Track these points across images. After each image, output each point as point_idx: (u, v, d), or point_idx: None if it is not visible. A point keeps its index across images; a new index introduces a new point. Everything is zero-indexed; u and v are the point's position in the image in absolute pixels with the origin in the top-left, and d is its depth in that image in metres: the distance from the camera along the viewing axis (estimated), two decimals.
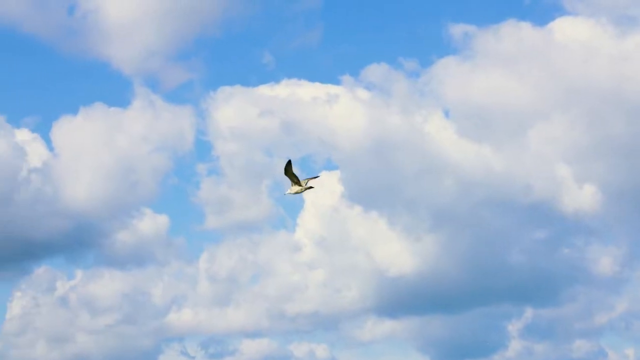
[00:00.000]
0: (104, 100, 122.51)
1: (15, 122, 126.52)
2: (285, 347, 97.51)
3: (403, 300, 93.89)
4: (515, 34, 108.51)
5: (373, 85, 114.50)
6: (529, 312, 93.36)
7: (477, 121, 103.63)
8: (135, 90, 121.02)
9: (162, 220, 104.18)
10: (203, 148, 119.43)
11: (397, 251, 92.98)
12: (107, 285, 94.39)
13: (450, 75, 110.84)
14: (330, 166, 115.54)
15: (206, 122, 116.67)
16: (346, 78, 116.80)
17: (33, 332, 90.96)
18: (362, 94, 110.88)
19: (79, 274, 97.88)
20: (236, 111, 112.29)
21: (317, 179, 35.88)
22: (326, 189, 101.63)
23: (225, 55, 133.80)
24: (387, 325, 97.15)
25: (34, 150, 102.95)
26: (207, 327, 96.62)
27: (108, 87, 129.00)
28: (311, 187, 35.16)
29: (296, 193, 34.93)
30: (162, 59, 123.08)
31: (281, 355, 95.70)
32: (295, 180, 34.63)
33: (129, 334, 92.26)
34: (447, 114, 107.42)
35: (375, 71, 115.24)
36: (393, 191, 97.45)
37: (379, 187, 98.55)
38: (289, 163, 33.89)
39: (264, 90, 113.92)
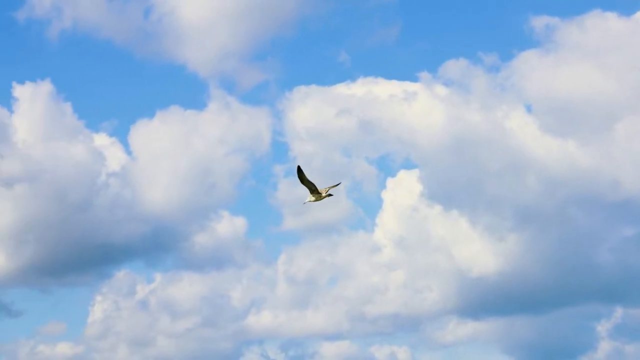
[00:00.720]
0: (180, 103, 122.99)
1: (94, 126, 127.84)
2: (365, 349, 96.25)
3: (486, 301, 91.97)
4: (601, 25, 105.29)
5: (452, 81, 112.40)
6: (618, 312, 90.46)
7: (561, 116, 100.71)
8: (211, 92, 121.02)
9: (240, 222, 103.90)
10: (280, 149, 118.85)
11: (479, 251, 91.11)
12: (186, 288, 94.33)
13: (532, 69, 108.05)
14: (408, 165, 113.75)
15: (282, 122, 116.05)
16: (424, 75, 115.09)
17: (114, 336, 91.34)
18: (441, 90, 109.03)
19: (158, 277, 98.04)
20: (313, 111, 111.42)
21: (337, 186, 34.15)
22: (405, 188, 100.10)
23: (300, 55, 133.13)
24: (470, 327, 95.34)
25: (112, 154, 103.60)
26: (287, 329, 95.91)
27: (184, 89, 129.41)
28: (331, 195, 33.41)
29: (316, 201, 33.17)
30: (237, 60, 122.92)
31: (362, 357, 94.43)
32: (312, 187, 32.79)
33: (208, 337, 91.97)
34: (529, 109, 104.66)
35: (454, 67, 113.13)
36: (474, 189, 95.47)
37: (459, 185, 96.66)
38: (299, 170, 32.04)
39: (341, 89, 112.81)
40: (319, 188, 33.40)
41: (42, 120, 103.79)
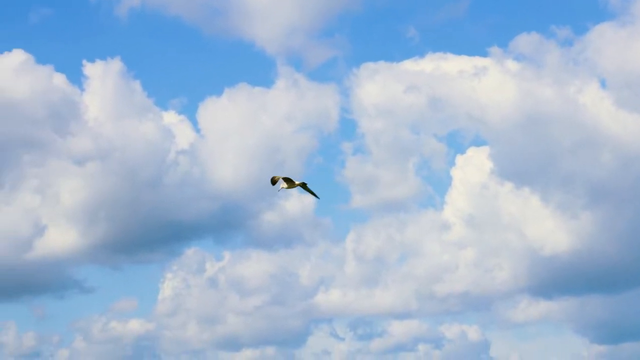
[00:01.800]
0: (248, 80, 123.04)
1: (163, 104, 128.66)
2: (435, 328, 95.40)
3: (558, 280, 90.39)
4: None
5: (523, 56, 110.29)
6: None
7: (637, 90, 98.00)
8: (278, 69, 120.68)
9: (308, 200, 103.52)
10: (348, 126, 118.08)
11: (551, 229, 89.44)
12: (255, 266, 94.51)
13: (607, 42, 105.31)
14: (478, 142, 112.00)
15: (350, 99, 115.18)
16: (494, 49, 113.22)
17: (184, 313, 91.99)
18: (512, 65, 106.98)
19: (227, 255, 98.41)
20: (380, 88, 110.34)
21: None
22: (475, 166, 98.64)
23: (368, 31, 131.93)
24: (542, 306, 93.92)
25: (181, 132, 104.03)
26: (355, 308, 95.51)
27: (252, 67, 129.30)
28: (305, 183, 33.30)
29: (288, 188, 33.16)
30: (305, 37, 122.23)
31: (431, 336, 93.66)
32: (286, 180, 32.82)
33: (277, 315, 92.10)
34: (603, 83, 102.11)
35: (525, 41, 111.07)
36: (546, 166, 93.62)
37: (531, 162, 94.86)
38: (271, 180, 32.44)
39: (409, 65, 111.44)
40: (296, 181, 33.34)
41: (112, 99, 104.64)
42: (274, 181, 31.87)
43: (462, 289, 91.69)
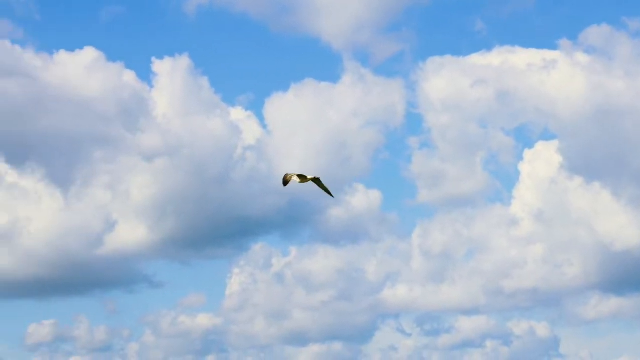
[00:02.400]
0: (314, 76, 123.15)
1: (230, 100, 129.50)
2: (503, 324, 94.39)
3: (631, 276, 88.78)
4: None
5: (593, 48, 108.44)
6: None
7: None
8: (345, 64, 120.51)
9: (375, 195, 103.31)
10: (414, 121, 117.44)
11: (623, 224, 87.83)
12: (322, 261, 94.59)
13: None
14: (547, 136, 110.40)
15: (416, 94, 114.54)
16: (564, 42, 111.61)
17: (252, 308, 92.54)
18: (582, 58, 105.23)
19: (294, 250, 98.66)
20: (447, 82, 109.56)
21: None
22: (544, 160, 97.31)
23: (434, 25, 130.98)
24: (613, 303, 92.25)
25: (248, 128, 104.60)
26: (422, 303, 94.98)
27: (318, 62, 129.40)
28: (318, 178, 32.73)
29: (301, 182, 32.50)
30: (371, 32, 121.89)
31: (499, 333, 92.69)
32: (299, 176, 32.30)
33: (344, 310, 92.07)
34: None
35: (596, 33, 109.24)
36: (618, 160, 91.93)
37: (601, 156, 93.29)
38: (284, 180, 31.82)
39: (476, 59, 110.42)
40: (308, 176, 32.90)
41: (181, 95, 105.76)
42: (286, 181, 31.67)
43: (531, 285, 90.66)
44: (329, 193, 31.92)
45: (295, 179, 31.57)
